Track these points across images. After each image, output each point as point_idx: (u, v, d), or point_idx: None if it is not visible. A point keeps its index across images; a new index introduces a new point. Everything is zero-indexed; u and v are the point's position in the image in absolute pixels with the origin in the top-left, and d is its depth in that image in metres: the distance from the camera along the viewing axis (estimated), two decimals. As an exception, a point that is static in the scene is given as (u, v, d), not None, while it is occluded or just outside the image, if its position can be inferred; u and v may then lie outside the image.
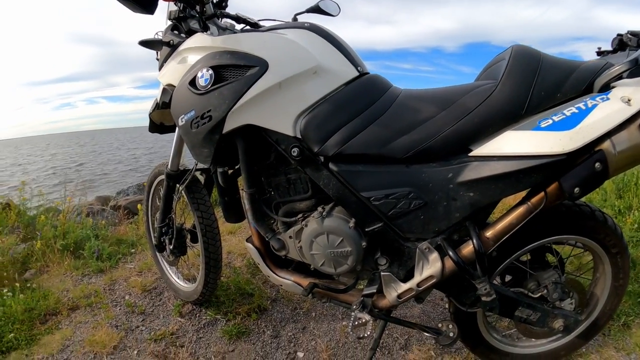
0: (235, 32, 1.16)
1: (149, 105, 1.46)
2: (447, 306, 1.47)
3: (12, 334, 1.53)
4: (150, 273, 2.07)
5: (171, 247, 1.58)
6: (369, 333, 1.07)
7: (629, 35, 0.96)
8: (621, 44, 1.00)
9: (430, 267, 1.01)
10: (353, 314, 1.08)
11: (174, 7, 1.27)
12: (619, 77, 0.88)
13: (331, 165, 1.01)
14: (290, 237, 1.15)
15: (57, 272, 2.08)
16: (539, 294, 1.17)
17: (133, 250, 2.39)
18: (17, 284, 1.85)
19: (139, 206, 2.87)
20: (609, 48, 1.08)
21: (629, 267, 1.21)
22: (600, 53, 1.09)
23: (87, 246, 2.26)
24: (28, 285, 1.91)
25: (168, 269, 1.83)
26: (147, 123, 1.53)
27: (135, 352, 1.48)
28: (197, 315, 1.69)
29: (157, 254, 1.81)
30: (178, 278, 1.82)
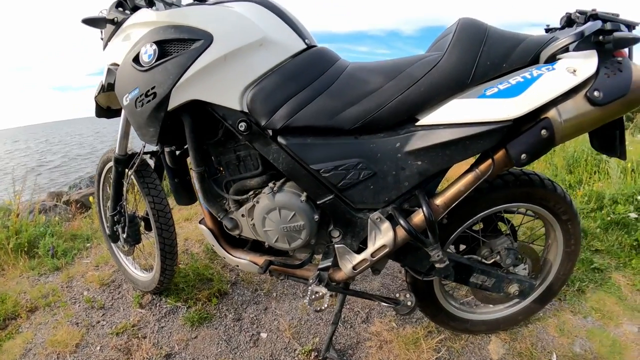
0: (180, 7, 1.12)
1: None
2: (404, 278, 1.50)
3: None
4: (107, 266, 1.99)
5: (124, 235, 1.52)
6: (326, 306, 1.07)
7: (577, 14, 0.97)
8: (569, 21, 1.01)
9: (383, 236, 1.02)
10: (310, 288, 1.07)
11: None
12: (565, 49, 0.90)
13: (279, 139, 1.00)
14: (242, 215, 1.13)
15: (12, 275, 1.98)
16: (492, 260, 1.21)
17: (89, 245, 2.29)
18: (-26, 293, 1.74)
19: (90, 198, 2.75)
20: (558, 27, 1.09)
21: (580, 233, 1.26)
22: (548, 30, 1.10)
23: (42, 244, 2.15)
24: (-16, 292, 1.80)
25: (124, 260, 1.77)
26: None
27: (98, 347, 1.44)
28: (158, 304, 1.64)
29: (112, 245, 1.74)
30: (135, 268, 1.76)
